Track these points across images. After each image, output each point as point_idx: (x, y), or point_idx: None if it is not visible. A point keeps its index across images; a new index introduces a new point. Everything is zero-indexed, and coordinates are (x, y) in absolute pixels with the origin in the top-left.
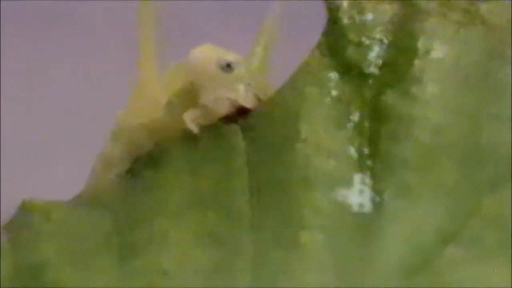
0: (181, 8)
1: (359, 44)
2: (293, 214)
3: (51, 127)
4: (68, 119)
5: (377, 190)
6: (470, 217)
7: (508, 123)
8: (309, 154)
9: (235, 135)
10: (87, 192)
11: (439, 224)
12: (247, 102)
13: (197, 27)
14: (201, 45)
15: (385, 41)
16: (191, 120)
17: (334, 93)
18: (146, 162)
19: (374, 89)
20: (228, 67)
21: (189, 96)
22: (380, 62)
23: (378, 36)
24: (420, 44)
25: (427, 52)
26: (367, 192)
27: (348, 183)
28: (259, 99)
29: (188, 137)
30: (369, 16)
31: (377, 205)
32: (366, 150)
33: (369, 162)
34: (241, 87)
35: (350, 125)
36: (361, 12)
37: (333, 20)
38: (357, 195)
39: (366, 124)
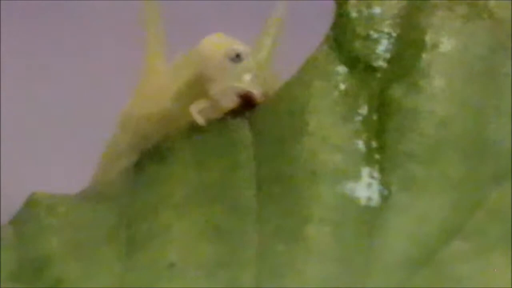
0: None
1: (367, 38)
2: (299, 207)
3: (57, 119)
4: (74, 111)
5: (385, 183)
6: (475, 210)
7: None
8: (316, 148)
9: (241, 128)
10: (93, 186)
11: (444, 217)
12: (255, 91)
13: (206, 16)
14: (211, 34)
15: (393, 34)
16: (197, 112)
17: (341, 86)
18: (151, 155)
19: (382, 82)
20: (237, 57)
21: (197, 86)
22: (387, 55)
23: (386, 29)
24: (428, 38)
25: (435, 45)
26: (375, 186)
27: (356, 177)
28: (265, 91)
29: (194, 130)
30: (377, 10)
31: (385, 198)
32: (374, 144)
33: (377, 156)
34: (248, 77)
35: (357, 118)
36: (369, 5)
37: (341, 13)
38: (365, 188)
39: (374, 117)
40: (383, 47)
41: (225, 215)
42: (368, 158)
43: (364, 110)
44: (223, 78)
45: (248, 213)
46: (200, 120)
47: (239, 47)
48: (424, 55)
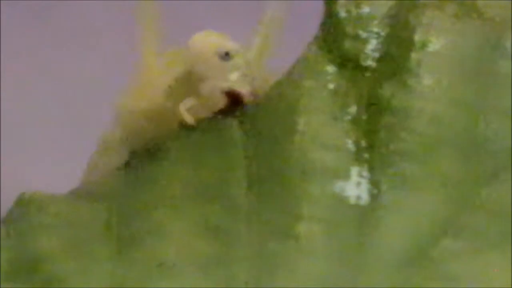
0: None
1: (356, 37)
2: (290, 205)
3: (50, 118)
4: (73, 110)
5: (374, 183)
6: (468, 208)
7: (505, 115)
8: (306, 147)
9: (233, 127)
10: (85, 185)
11: (436, 215)
12: (241, 89)
13: (198, 11)
14: (202, 31)
15: (382, 34)
16: (186, 110)
17: (331, 86)
18: (144, 154)
19: (371, 82)
20: (226, 55)
21: (188, 83)
22: (377, 55)
23: (375, 29)
24: (417, 37)
25: (424, 44)
26: (365, 185)
27: (346, 176)
28: (254, 90)
29: (186, 129)
30: (366, 9)
31: (375, 197)
32: (363, 143)
33: (366, 155)
34: (235, 75)
35: (347, 118)
36: (358, 5)
37: (330, 13)
38: (355, 187)
39: (363, 116)
40: (372, 47)
41: (218, 213)
42: (357, 157)
43: (353, 109)
44: (212, 76)
45: (240, 211)
46: (188, 118)
47: (229, 45)
48: (413, 54)
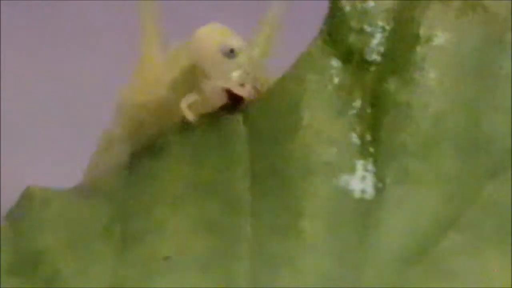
0: None
1: (361, 32)
2: (293, 201)
3: (50, 118)
4: (67, 110)
5: (379, 176)
6: (470, 204)
7: (507, 112)
8: (310, 142)
9: (236, 124)
10: (88, 181)
11: (438, 211)
12: (241, 91)
13: (199, 11)
14: (208, 24)
15: (387, 28)
16: (187, 106)
17: (335, 80)
18: (145, 151)
19: (376, 76)
20: (231, 52)
21: (192, 77)
22: (381, 49)
23: (379, 23)
24: (422, 31)
25: (429, 39)
26: (370, 178)
27: (350, 170)
28: (256, 89)
29: (188, 125)
30: (371, 4)
31: (379, 191)
32: (368, 137)
33: (371, 149)
34: (236, 75)
35: (352, 112)
36: None
37: (334, 7)
38: (359, 181)
39: (368, 111)
40: (377, 41)
41: (220, 210)
42: (362, 151)
43: (358, 103)
44: (214, 73)
45: (242, 207)
46: (189, 115)
47: (233, 42)
48: (418, 49)
